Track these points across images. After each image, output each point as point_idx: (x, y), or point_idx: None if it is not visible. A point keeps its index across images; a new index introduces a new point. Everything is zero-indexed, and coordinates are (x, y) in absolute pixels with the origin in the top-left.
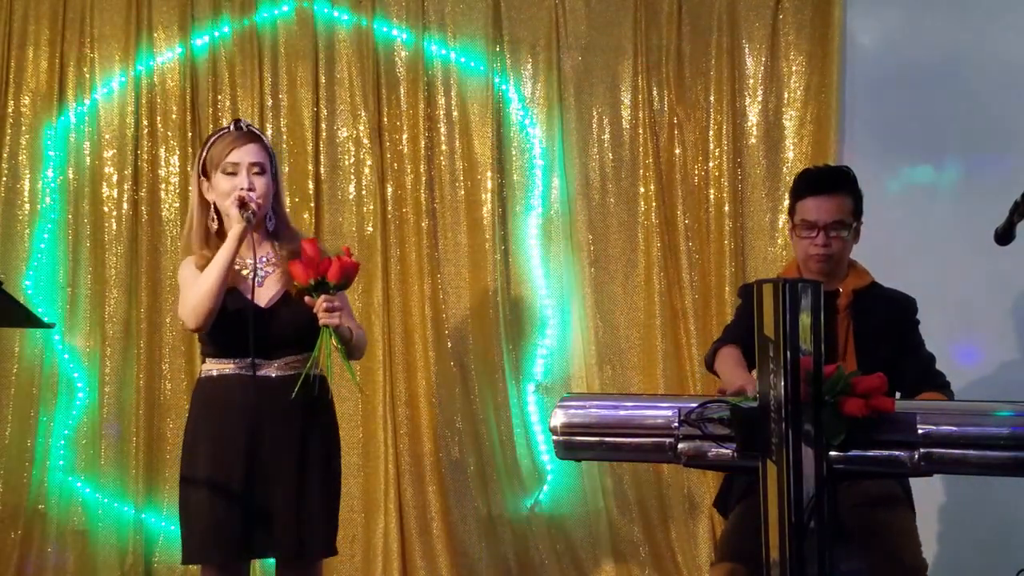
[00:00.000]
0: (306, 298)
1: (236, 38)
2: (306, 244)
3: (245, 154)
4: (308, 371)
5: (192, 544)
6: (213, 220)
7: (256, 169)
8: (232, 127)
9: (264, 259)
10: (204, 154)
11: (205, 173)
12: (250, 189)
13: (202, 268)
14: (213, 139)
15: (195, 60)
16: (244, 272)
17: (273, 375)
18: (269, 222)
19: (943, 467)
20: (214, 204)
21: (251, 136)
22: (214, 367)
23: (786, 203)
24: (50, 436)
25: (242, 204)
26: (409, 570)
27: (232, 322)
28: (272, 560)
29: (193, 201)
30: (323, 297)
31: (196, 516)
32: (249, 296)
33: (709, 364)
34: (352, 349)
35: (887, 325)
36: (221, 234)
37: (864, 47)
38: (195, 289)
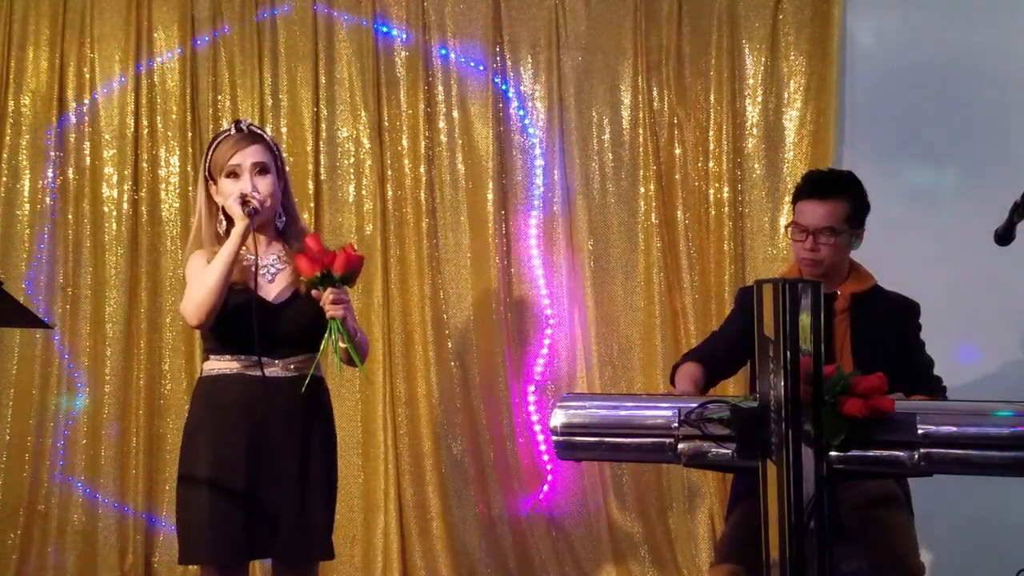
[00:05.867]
0: (313, 292)
1: (236, 38)
2: (309, 239)
3: (247, 156)
4: (314, 369)
5: (192, 544)
6: (221, 223)
7: (258, 169)
8: (233, 129)
9: (275, 257)
10: (208, 158)
11: (211, 176)
12: (254, 190)
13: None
14: (216, 142)
15: (195, 60)
16: (253, 268)
17: (277, 374)
18: (280, 220)
19: (943, 467)
20: (222, 207)
21: (253, 137)
22: (217, 365)
23: (787, 203)
24: (50, 436)
25: (244, 202)
26: (409, 570)
27: (238, 318)
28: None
29: (200, 203)
30: (329, 289)
31: (197, 516)
32: (259, 294)
33: (672, 378)
34: (355, 348)
35: (886, 329)
36: (229, 235)
37: (864, 47)
38: (197, 286)
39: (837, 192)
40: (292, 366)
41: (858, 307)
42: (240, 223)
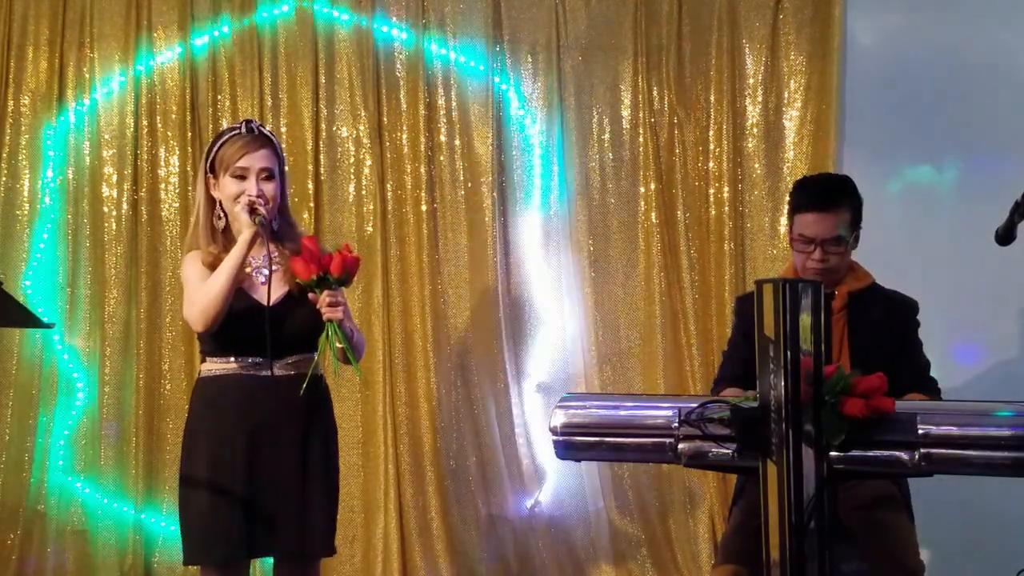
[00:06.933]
0: (310, 294)
1: (236, 38)
2: (306, 241)
3: (256, 160)
4: (314, 368)
5: (193, 544)
6: (219, 218)
7: (265, 174)
8: (243, 129)
9: (268, 258)
10: (213, 153)
11: (213, 171)
12: (259, 195)
13: (207, 264)
14: (224, 139)
15: (195, 60)
16: (248, 270)
17: (276, 374)
18: (275, 222)
19: (943, 467)
20: (220, 202)
21: (262, 140)
22: (214, 366)
23: (787, 203)
24: (50, 436)
25: (252, 210)
26: (409, 570)
27: (237, 321)
28: (270, 559)
29: (199, 197)
30: (326, 292)
31: (197, 516)
32: (255, 296)
33: None
34: (351, 349)
35: (884, 326)
36: (227, 232)
37: (864, 47)
38: (203, 292)
39: (840, 201)
40: (291, 366)
41: (855, 305)
42: (247, 231)
